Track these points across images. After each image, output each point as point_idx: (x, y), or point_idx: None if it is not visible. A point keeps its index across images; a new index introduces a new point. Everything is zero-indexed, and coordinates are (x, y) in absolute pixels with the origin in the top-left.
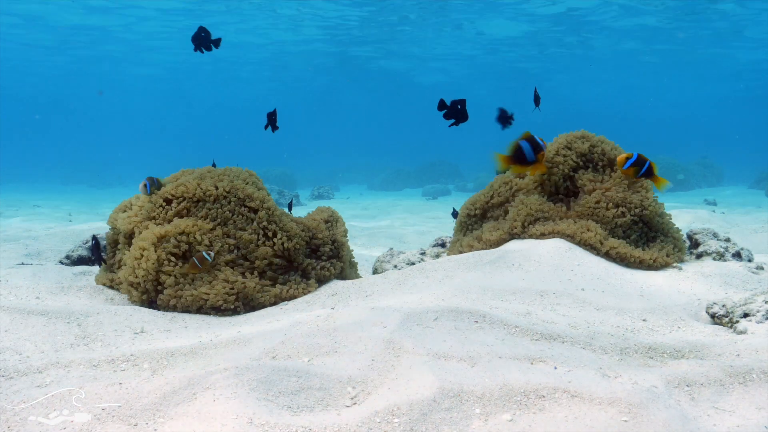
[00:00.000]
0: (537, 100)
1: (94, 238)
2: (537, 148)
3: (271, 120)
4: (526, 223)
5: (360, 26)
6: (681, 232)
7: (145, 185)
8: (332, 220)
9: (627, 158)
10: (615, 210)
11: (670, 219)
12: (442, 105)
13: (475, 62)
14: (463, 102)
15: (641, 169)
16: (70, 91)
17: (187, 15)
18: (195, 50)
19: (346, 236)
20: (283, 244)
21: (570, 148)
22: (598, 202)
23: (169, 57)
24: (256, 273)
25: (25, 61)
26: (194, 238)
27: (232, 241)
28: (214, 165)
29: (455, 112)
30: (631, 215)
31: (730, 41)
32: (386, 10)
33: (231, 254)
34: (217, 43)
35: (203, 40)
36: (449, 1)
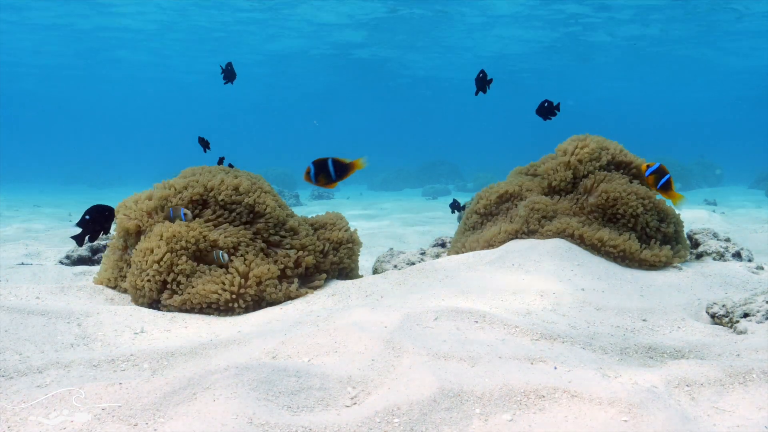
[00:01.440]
0: (547, 111)
1: (87, 217)
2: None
3: (203, 143)
4: (535, 222)
5: (363, 27)
6: (684, 232)
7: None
8: (348, 236)
9: (649, 166)
10: (623, 204)
11: (680, 217)
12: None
13: (478, 63)
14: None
15: (661, 179)
16: (71, 91)
17: (191, 14)
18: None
19: (358, 250)
20: (303, 255)
21: (579, 150)
22: (605, 199)
23: (170, 56)
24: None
25: (26, 61)
26: (203, 238)
27: (258, 243)
28: (221, 163)
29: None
30: (637, 210)
31: (730, 42)
32: (390, 11)
33: (256, 256)
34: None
35: None
36: (454, 4)
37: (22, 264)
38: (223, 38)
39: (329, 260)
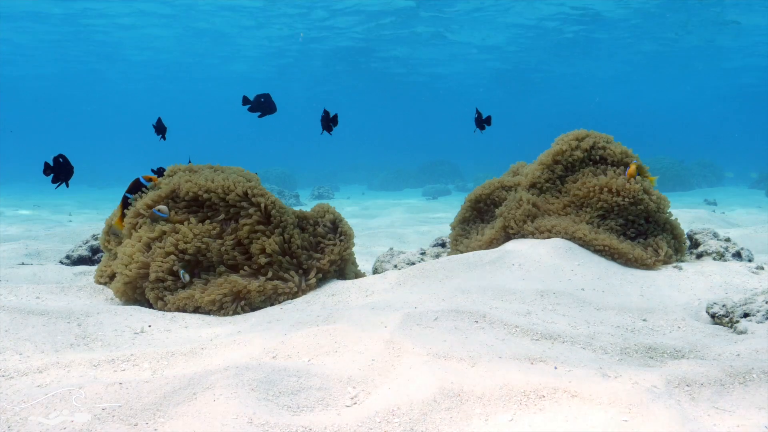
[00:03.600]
0: (481, 122)
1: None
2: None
3: (160, 128)
4: (519, 221)
5: (363, 27)
6: (683, 231)
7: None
8: (336, 220)
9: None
10: (609, 197)
11: (675, 218)
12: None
13: (477, 63)
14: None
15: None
16: (70, 90)
17: (190, 13)
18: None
19: (351, 233)
20: (289, 239)
21: (571, 145)
22: (593, 190)
23: (169, 55)
24: (253, 270)
25: (25, 60)
26: (185, 238)
27: (229, 240)
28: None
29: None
30: (626, 203)
31: (730, 42)
32: (391, 11)
33: (230, 254)
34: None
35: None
36: (455, 4)
37: (22, 264)
38: (223, 37)
39: (323, 259)
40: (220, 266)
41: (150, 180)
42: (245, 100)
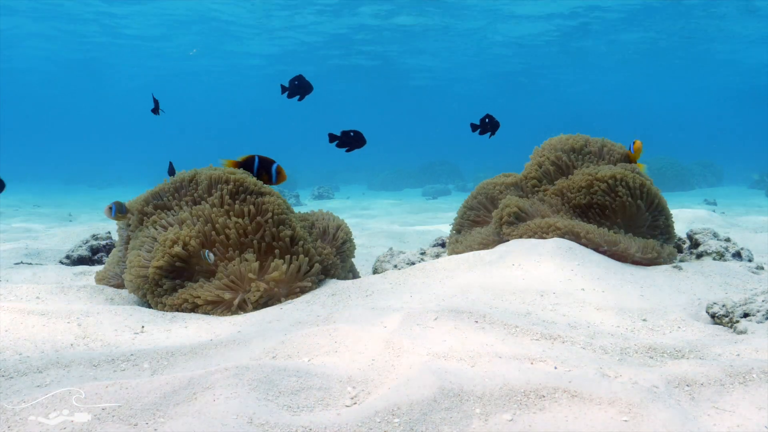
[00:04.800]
0: (487, 126)
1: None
2: (265, 167)
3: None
4: (509, 223)
5: (363, 26)
6: (674, 227)
7: (110, 208)
8: (338, 229)
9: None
10: (603, 185)
11: (657, 190)
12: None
13: (479, 63)
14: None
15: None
16: (71, 90)
17: (190, 14)
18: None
19: (351, 242)
20: (291, 234)
21: (564, 146)
22: (587, 180)
23: (170, 55)
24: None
25: (26, 60)
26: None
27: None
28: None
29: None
30: (606, 187)
31: (730, 40)
32: (391, 11)
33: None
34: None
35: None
36: (453, 4)
37: (22, 263)
38: (223, 37)
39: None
40: (229, 251)
41: (273, 164)
42: (283, 89)
